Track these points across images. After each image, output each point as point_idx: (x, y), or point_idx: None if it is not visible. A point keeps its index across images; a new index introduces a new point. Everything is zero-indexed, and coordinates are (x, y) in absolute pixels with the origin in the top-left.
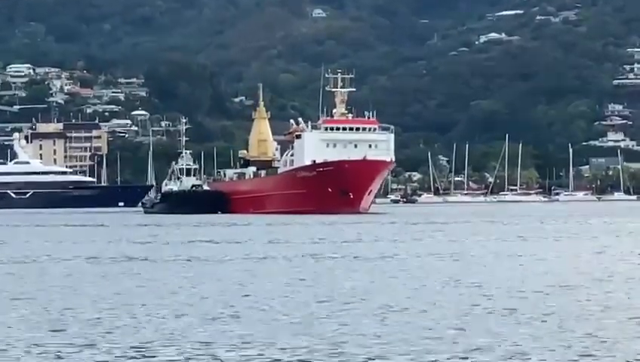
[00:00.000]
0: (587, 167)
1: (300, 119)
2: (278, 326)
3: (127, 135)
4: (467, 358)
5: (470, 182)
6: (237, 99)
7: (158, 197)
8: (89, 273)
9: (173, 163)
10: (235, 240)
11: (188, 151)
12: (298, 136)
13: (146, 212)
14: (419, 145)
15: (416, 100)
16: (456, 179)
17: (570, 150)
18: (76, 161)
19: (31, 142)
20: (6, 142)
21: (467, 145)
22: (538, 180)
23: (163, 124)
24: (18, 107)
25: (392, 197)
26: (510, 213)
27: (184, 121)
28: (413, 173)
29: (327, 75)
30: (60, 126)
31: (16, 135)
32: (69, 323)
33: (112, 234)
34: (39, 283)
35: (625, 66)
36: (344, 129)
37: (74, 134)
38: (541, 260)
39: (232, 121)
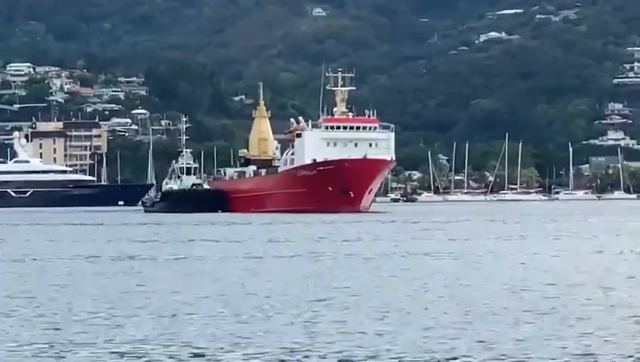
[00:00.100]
0: (587, 165)
1: (301, 118)
2: (278, 326)
3: (127, 134)
4: (468, 357)
5: (470, 181)
6: (237, 98)
7: (159, 196)
8: (89, 272)
9: (174, 162)
10: (235, 239)
11: (188, 150)
12: (298, 135)
13: (146, 211)
14: (419, 144)
15: (416, 99)
16: (457, 178)
17: (570, 149)
18: (76, 160)
19: (31, 141)
20: (6, 141)
21: (467, 144)
22: (538, 179)
23: (163, 122)
24: (18, 106)
25: (392, 196)
26: (510, 212)
27: (184, 119)
28: (414, 172)
29: (327, 74)
30: (60, 125)
31: (16, 134)
32: (68, 322)
33: (113, 233)
34: (39, 282)
35: (625, 65)
36: (344, 128)
37: (74, 133)
38: (541, 259)
39: (232, 119)
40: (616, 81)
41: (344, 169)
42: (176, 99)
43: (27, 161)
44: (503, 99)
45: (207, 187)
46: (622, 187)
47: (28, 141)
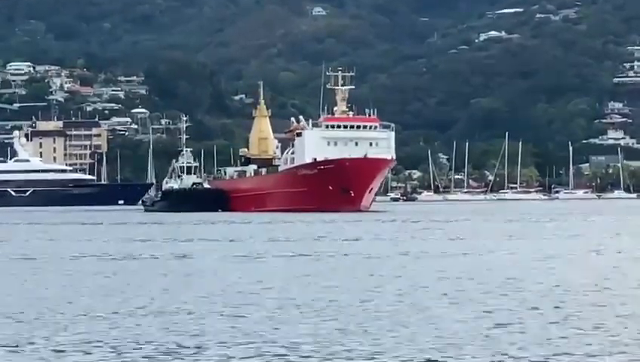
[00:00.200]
0: (587, 165)
1: (301, 117)
2: (277, 325)
3: (127, 133)
4: (469, 355)
5: (470, 180)
6: (237, 98)
7: (159, 195)
8: (89, 271)
9: (174, 161)
10: (235, 239)
11: (188, 149)
12: (299, 134)
13: (146, 210)
14: (419, 143)
15: (416, 98)
16: (456, 177)
17: (570, 148)
18: (76, 159)
19: (31, 140)
20: (6, 140)
21: (467, 143)
22: (538, 178)
23: (163, 122)
24: (18, 105)
25: (392, 195)
26: (510, 211)
27: (185, 119)
28: (414, 171)
29: (327, 73)
30: (60, 124)
31: (16, 133)
32: (69, 322)
33: (113, 232)
34: (39, 281)
35: (625, 64)
36: (345, 127)
37: (74, 132)
38: (540, 257)
39: (232, 119)
40: (616, 80)
41: (344, 168)
42: (176, 99)
43: (27, 160)
44: (503, 98)
45: (208, 186)
46: (622, 186)
47: (28, 140)
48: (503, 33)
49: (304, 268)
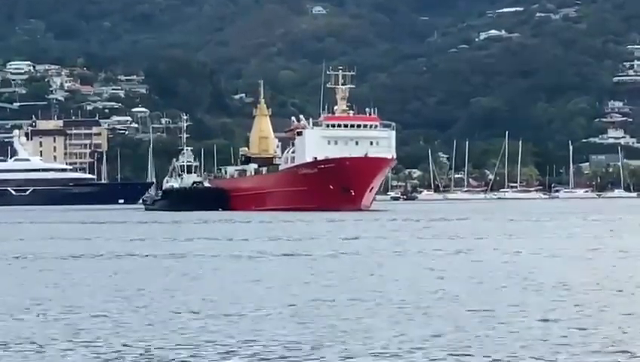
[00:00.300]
0: (587, 164)
1: (301, 116)
2: (276, 325)
3: (127, 132)
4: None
5: (470, 180)
6: (237, 97)
7: (159, 194)
8: (89, 270)
9: (174, 160)
10: (235, 238)
11: (189, 148)
12: (299, 133)
13: (146, 209)
14: (419, 142)
15: (416, 97)
16: (456, 176)
17: (570, 147)
18: (76, 158)
19: (31, 139)
20: (6, 140)
21: (467, 143)
22: (538, 177)
23: (163, 121)
24: (18, 104)
25: (392, 194)
26: (510, 210)
27: (185, 118)
28: (414, 170)
29: (328, 72)
30: (60, 123)
31: (16, 132)
32: (68, 321)
33: (113, 231)
34: (38, 281)
35: (625, 63)
36: (345, 126)
37: (74, 131)
38: (543, 256)
39: (232, 118)
40: (616, 79)
41: (345, 167)
42: (176, 98)
43: (27, 160)
44: (503, 97)
45: (208, 185)
46: (622, 185)
47: (28, 139)
48: (503, 32)
49: (303, 267)
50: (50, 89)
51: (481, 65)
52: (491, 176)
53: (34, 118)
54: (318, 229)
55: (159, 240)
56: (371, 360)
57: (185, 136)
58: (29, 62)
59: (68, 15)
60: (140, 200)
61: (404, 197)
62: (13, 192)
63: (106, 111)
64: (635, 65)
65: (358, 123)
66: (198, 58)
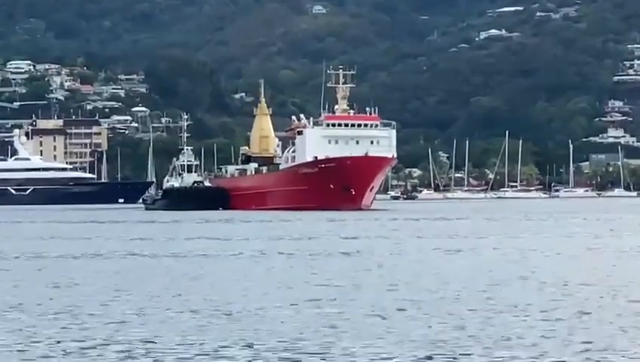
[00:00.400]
0: (587, 163)
1: (302, 115)
2: (276, 325)
3: (127, 131)
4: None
5: (470, 179)
6: (237, 96)
7: (159, 194)
8: (89, 269)
9: (174, 159)
10: (234, 237)
11: (189, 148)
12: (299, 133)
13: (147, 208)
14: (419, 141)
15: (416, 97)
16: (457, 175)
17: (571, 146)
18: (76, 158)
19: (31, 138)
20: (6, 139)
21: (467, 142)
22: (538, 177)
23: (163, 120)
24: (18, 103)
25: (392, 193)
26: (510, 209)
27: (185, 117)
28: (414, 170)
29: (328, 72)
30: (60, 122)
31: (16, 131)
32: (68, 321)
33: (113, 231)
34: (38, 280)
35: (625, 63)
36: (346, 125)
37: (74, 130)
38: (542, 255)
39: (232, 117)
40: (616, 78)
41: (345, 166)
42: (176, 97)
43: (27, 159)
44: (503, 96)
45: (208, 185)
46: (622, 184)
47: (28, 138)
48: (503, 31)
49: (302, 267)
50: (51, 88)
51: (481, 64)
52: (491, 176)
53: (34, 118)
54: (318, 229)
55: (159, 239)
56: (371, 360)
57: (185, 135)
58: (29, 62)
59: (68, 14)
60: (140, 200)
61: (404, 196)
62: (13, 191)
63: (106, 110)
64: (635, 65)
65: (359, 122)
66: (198, 57)
